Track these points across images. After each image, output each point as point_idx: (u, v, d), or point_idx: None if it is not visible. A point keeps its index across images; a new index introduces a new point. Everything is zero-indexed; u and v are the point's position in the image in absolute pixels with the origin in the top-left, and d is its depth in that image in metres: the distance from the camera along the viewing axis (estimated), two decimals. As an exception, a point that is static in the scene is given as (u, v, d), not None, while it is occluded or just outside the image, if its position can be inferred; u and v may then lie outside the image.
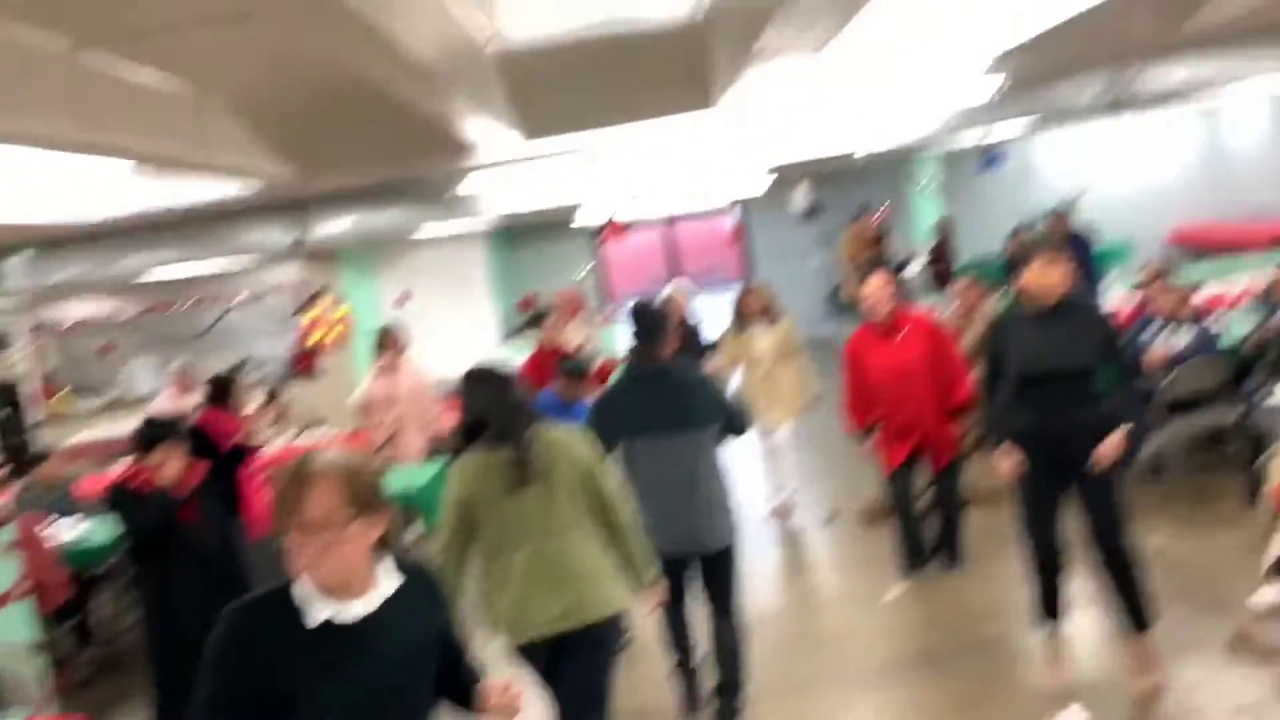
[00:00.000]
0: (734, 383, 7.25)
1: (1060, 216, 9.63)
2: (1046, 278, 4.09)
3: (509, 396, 3.52)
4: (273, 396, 9.01)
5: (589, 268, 15.03)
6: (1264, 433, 5.85)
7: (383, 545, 2.18)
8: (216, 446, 5.00)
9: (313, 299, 12.24)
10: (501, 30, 3.91)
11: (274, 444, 7.94)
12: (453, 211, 7.19)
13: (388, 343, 7.64)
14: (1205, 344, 6.58)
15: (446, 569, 3.47)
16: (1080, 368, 4.10)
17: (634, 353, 4.41)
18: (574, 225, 14.03)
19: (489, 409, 3.51)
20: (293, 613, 2.08)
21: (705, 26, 4.17)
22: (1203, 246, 14.29)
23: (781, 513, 7.41)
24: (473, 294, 13.47)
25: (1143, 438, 6.29)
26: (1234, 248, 12.76)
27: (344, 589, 2.10)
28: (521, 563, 3.46)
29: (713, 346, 7.45)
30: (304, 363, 12.34)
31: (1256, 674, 4.33)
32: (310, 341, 12.29)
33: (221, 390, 6.39)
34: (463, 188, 6.56)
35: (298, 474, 2.06)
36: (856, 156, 6.30)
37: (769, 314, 7.18)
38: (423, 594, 2.27)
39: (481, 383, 3.59)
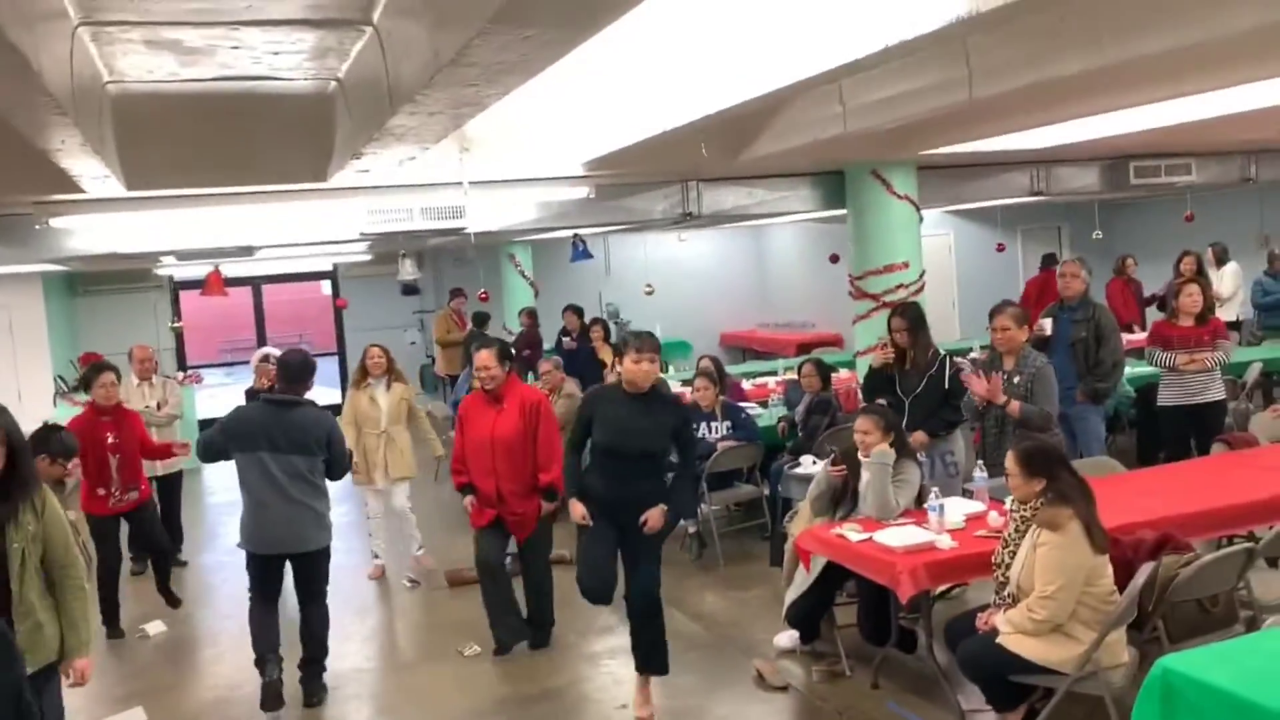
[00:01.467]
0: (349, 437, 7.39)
1: (596, 322, 11.26)
2: (641, 368, 4.78)
3: None
4: None
5: (175, 324, 14.14)
6: (789, 499, 6.95)
7: None
8: None
9: None
10: (122, 71, 3.91)
11: None
12: (32, 251, 6.69)
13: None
14: (744, 430, 7.70)
15: None
16: (653, 450, 4.89)
17: (281, 387, 5.43)
18: (157, 273, 13.22)
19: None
20: None
21: (334, 101, 4.42)
22: (746, 348, 16.48)
23: (424, 563, 7.55)
24: (25, 344, 12.20)
25: (692, 509, 7.21)
26: (770, 351, 14.85)
27: None
28: None
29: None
30: None
31: (773, 703, 5.15)
32: None
33: None
34: (49, 227, 6.16)
35: None
36: (466, 232, 6.76)
37: (393, 374, 7.41)
38: None
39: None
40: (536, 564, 5.97)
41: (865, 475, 5.27)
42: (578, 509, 4.93)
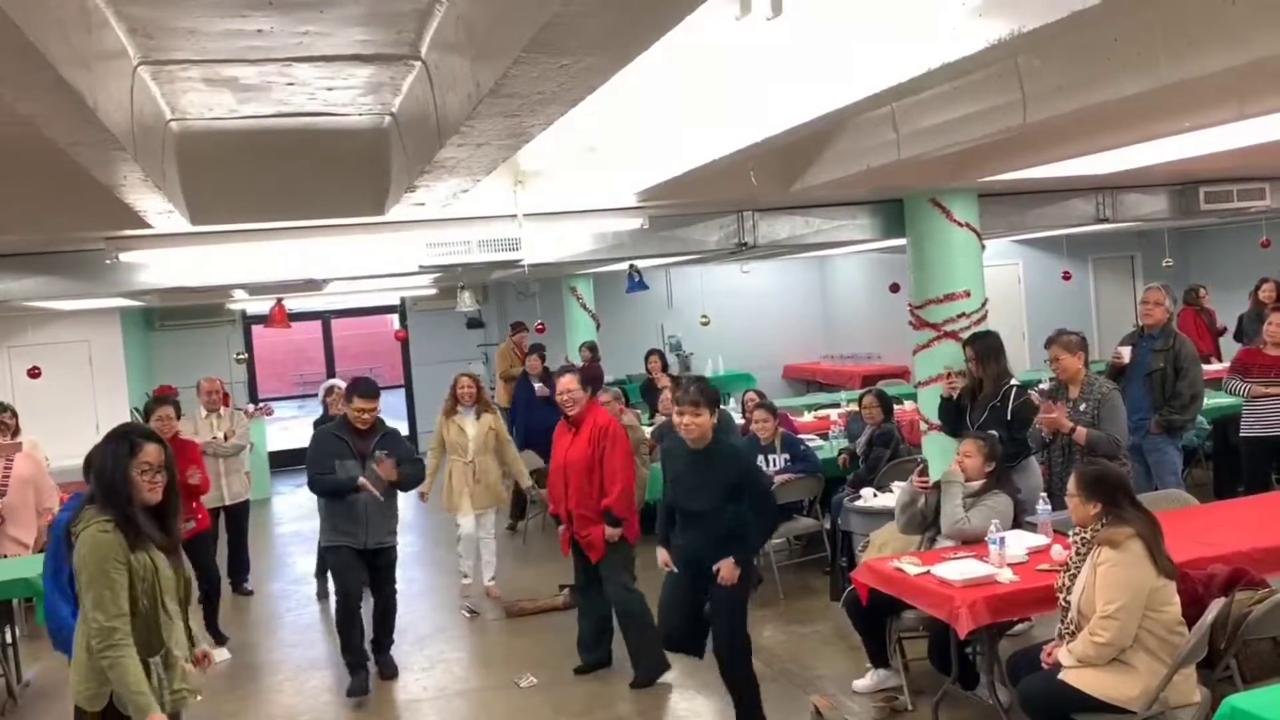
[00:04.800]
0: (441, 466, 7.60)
1: (654, 353, 10.98)
2: (683, 421, 4.84)
3: None
4: None
5: (240, 355, 14.50)
6: (849, 532, 6.84)
7: None
8: None
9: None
10: (184, 108, 4.04)
11: None
12: (103, 286, 6.92)
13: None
14: (803, 462, 7.62)
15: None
16: (712, 509, 4.88)
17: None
18: (230, 307, 13.58)
19: None
20: None
21: (389, 135, 4.52)
22: (810, 380, 16.33)
23: (492, 594, 7.63)
24: (104, 376, 12.60)
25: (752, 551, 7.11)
26: (834, 383, 14.70)
27: None
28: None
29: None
30: None
31: (829, 738, 5.08)
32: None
33: None
34: (119, 261, 6.38)
35: None
36: (522, 264, 6.86)
37: (482, 403, 7.57)
38: None
39: None
40: (610, 587, 5.88)
41: None
42: (662, 555, 5.13)
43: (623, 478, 5.68)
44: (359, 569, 6.08)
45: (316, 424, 8.25)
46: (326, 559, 6.74)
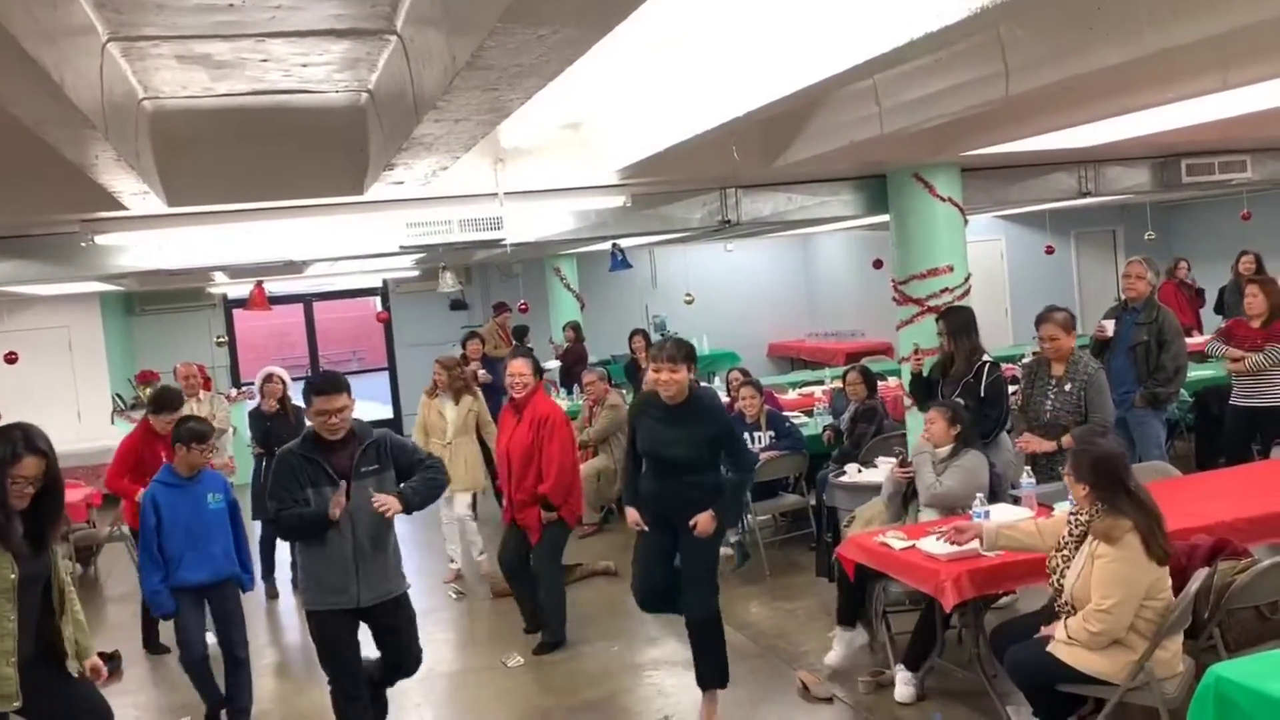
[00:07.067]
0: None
1: (639, 333, 10.98)
2: (661, 377, 4.80)
3: None
4: None
5: (220, 338, 14.41)
6: (834, 508, 6.84)
7: None
8: None
9: None
10: (156, 86, 3.97)
11: None
12: (78, 269, 6.83)
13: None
14: (788, 439, 7.62)
15: None
16: (689, 458, 4.82)
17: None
18: (210, 291, 13.47)
19: None
20: None
21: (365, 113, 4.46)
22: (794, 358, 16.34)
23: (483, 571, 7.58)
24: (84, 362, 12.49)
25: (736, 517, 7.12)
26: (818, 361, 14.71)
27: None
28: None
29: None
30: None
31: (817, 715, 5.08)
32: None
33: None
34: (94, 244, 6.30)
35: None
36: (505, 243, 6.79)
37: (460, 388, 7.60)
38: None
39: None
40: (538, 568, 6.24)
41: None
42: (632, 515, 5.05)
43: (558, 466, 5.99)
44: (355, 641, 4.50)
45: (251, 415, 8.04)
46: (311, 629, 4.61)
